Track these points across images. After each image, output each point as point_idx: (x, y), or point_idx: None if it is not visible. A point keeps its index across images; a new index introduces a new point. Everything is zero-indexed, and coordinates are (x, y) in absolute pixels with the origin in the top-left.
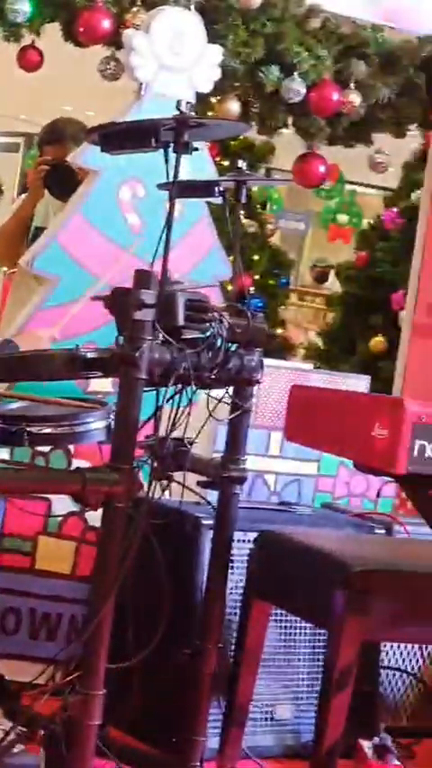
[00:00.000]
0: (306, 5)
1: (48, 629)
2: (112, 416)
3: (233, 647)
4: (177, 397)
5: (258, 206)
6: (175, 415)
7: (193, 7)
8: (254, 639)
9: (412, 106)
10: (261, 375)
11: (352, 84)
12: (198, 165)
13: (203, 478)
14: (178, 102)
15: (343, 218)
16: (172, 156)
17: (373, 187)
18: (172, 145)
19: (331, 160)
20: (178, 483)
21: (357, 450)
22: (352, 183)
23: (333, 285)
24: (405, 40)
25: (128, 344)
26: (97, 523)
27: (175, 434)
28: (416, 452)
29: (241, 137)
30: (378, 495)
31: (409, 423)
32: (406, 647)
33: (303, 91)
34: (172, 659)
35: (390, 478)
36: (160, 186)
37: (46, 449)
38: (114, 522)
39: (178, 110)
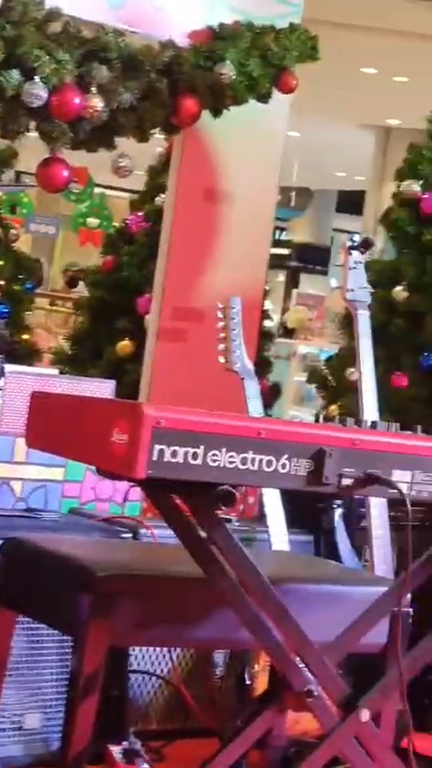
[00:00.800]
0: (46, 9)
1: None
2: None
3: None
4: None
5: (7, 210)
6: None
7: None
8: None
9: (154, 110)
10: (2, 381)
11: (94, 89)
12: None
13: None
14: None
15: (93, 221)
16: None
17: (122, 190)
18: None
19: (81, 163)
20: None
21: (98, 455)
22: (101, 186)
23: (85, 289)
24: (146, 44)
25: None
26: None
27: None
28: (155, 456)
29: None
30: (125, 500)
31: (147, 427)
32: (155, 650)
33: (45, 95)
34: None
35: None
36: None
37: None
38: None
39: None
